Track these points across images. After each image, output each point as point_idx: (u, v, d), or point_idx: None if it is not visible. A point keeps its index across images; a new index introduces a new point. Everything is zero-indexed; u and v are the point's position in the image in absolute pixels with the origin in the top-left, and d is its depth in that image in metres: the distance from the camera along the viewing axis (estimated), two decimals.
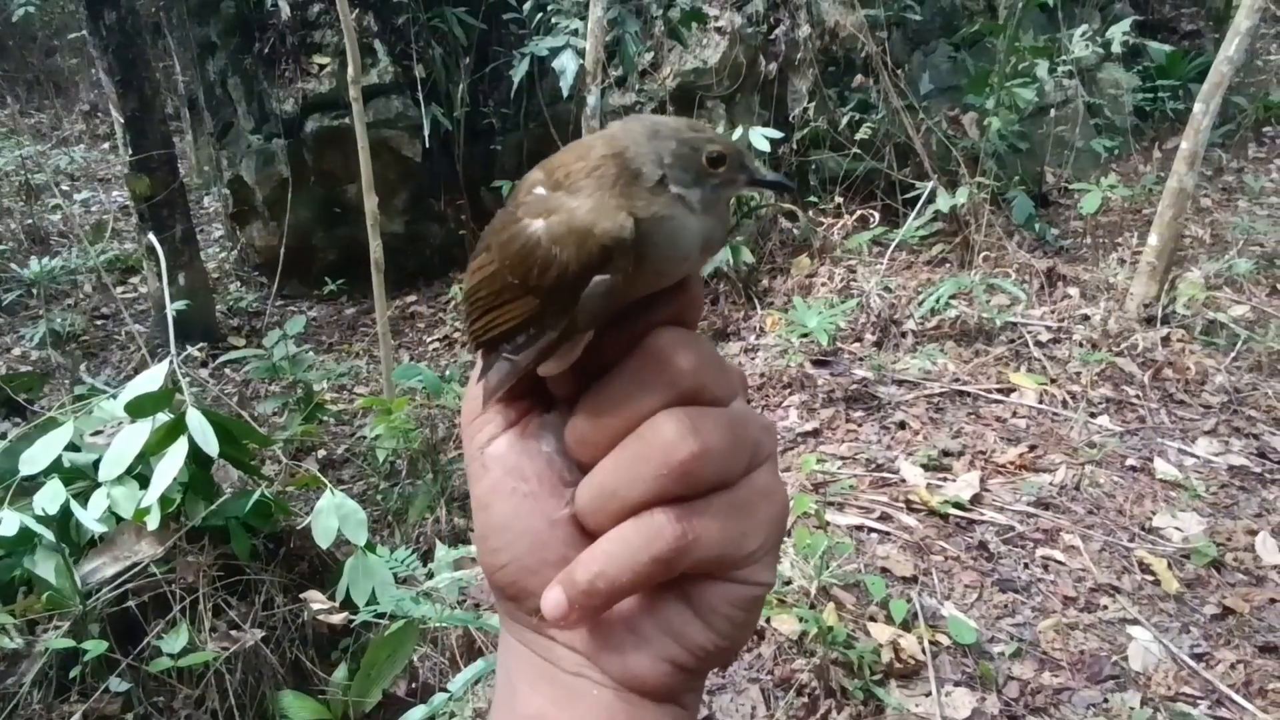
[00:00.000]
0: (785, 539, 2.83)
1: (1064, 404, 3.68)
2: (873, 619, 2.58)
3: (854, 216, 5.10)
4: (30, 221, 7.59)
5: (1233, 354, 3.87)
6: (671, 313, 0.46)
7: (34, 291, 6.16)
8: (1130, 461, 3.32)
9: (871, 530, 3.02)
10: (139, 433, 2.36)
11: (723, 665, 0.47)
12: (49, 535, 2.14)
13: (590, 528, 0.44)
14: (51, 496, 2.20)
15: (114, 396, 2.65)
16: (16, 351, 5.91)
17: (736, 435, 0.43)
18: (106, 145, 10.03)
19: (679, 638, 0.44)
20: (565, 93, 4.80)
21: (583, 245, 0.42)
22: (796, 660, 2.43)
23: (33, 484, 2.29)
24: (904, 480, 3.28)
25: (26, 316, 6.21)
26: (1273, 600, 2.63)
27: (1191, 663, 2.43)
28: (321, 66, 5.98)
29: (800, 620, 2.44)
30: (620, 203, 0.43)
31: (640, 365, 0.44)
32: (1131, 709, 2.30)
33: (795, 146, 5.54)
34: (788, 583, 2.64)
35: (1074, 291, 4.53)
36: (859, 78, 5.54)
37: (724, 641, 0.44)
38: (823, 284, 4.83)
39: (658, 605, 0.44)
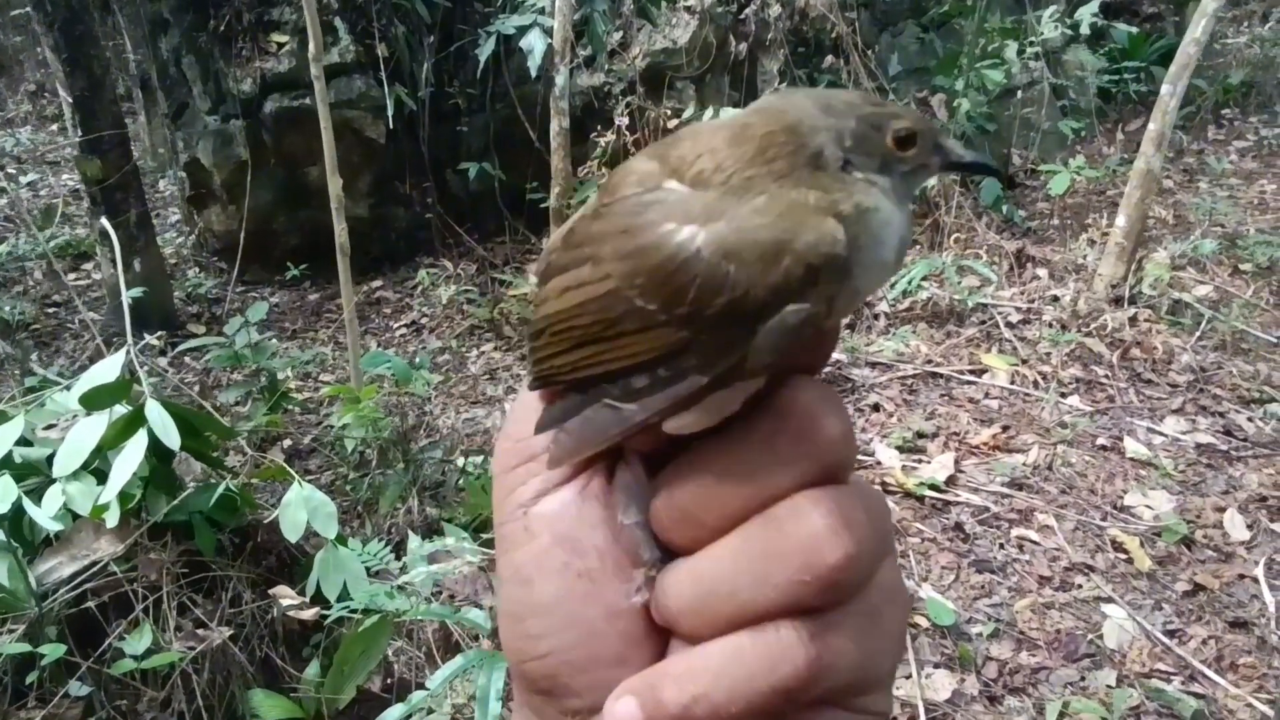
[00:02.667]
0: None
1: (1035, 384, 3.71)
2: None
3: None
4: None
5: (1198, 333, 3.93)
6: (809, 356, 0.36)
7: None
8: (1101, 441, 3.35)
9: None
10: (95, 426, 2.26)
11: None
12: (0, 534, 2.05)
13: (683, 631, 0.35)
14: (2, 494, 2.11)
15: (68, 388, 2.55)
16: None
17: (880, 525, 0.35)
18: (55, 127, 9.69)
19: None
20: (533, 73, 4.71)
21: (774, 264, 0.31)
22: None
23: None
24: (879, 462, 3.28)
25: None
26: (1241, 576, 2.67)
27: (1165, 639, 2.46)
28: (280, 45, 5.80)
29: None
30: (817, 200, 0.33)
31: (778, 428, 0.34)
32: (1108, 686, 2.32)
33: None
34: None
35: (1043, 273, 4.57)
36: (829, 59, 5.51)
37: None
38: None
39: None
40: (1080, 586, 2.67)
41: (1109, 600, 2.61)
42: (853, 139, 0.36)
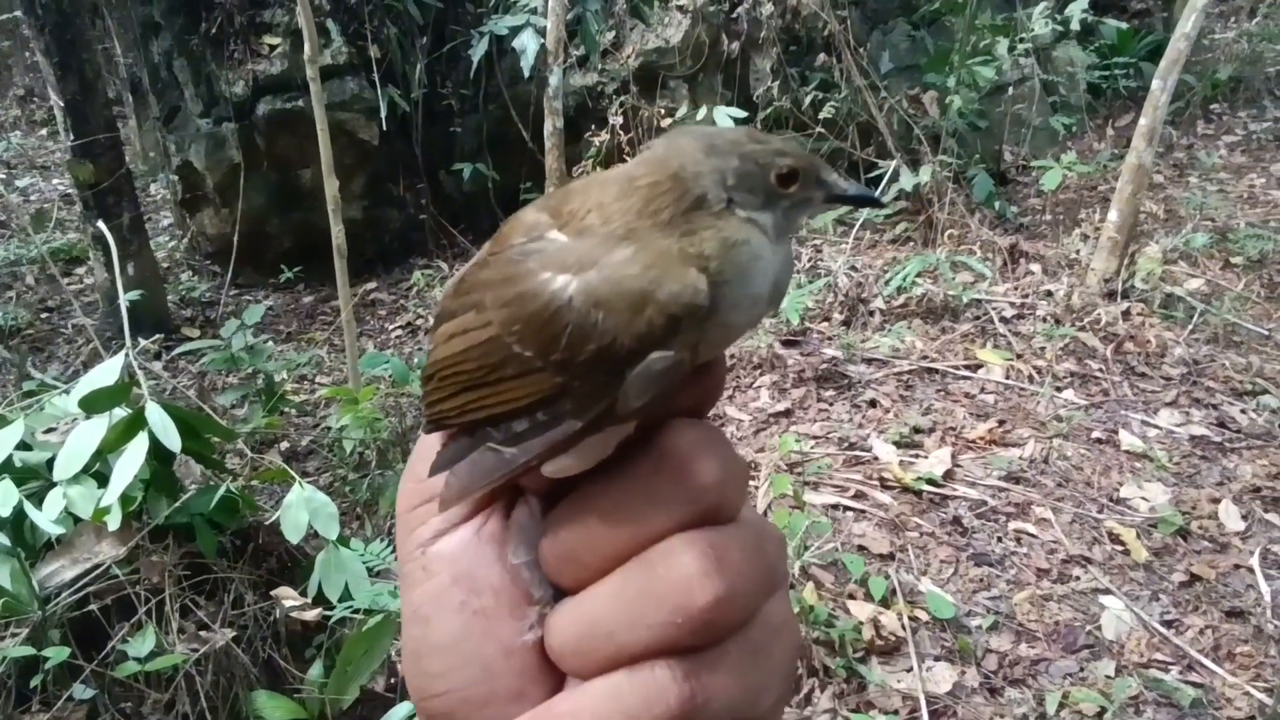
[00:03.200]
0: (765, 511, 2.83)
1: (1030, 379, 3.73)
2: (852, 597, 2.59)
3: None
4: None
5: (1190, 327, 3.95)
6: (691, 398, 0.37)
7: None
8: (1096, 434, 3.38)
9: (847, 509, 3.03)
10: (95, 429, 2.26)
11: None
12: (2, 539, 2.05)
13: (568, 669, 0.36)
14: (3, 498, 2.10)
15: (66, 392, 2.54)
16: None
17: (760, 564, 0.35)
18: (44, 131, 9.64)
19: None
20: (526, 73, 4.71)
21: (639, 313, 0.33)
22: None
23: None
24: (877, 458, 3.30)
25: None
26: (1237, 566, 2.69)
27: (1162, 630, 2.48)
28: (272, 47, 5.79)
29: None
30: (683, 249, 0.34)
31: (655, 471, 0.35)
32: (1107, 676, 2.34)
33: (759, 126, 5.51)
34: None
35: (1036, 268, 4.59)
36: (821, 57, 5.53)
37: None
38: None
39: None
40: (1078, 578, 2.69)
41: (1106, 592, 2.63)
42: (736, 177, 0.37)
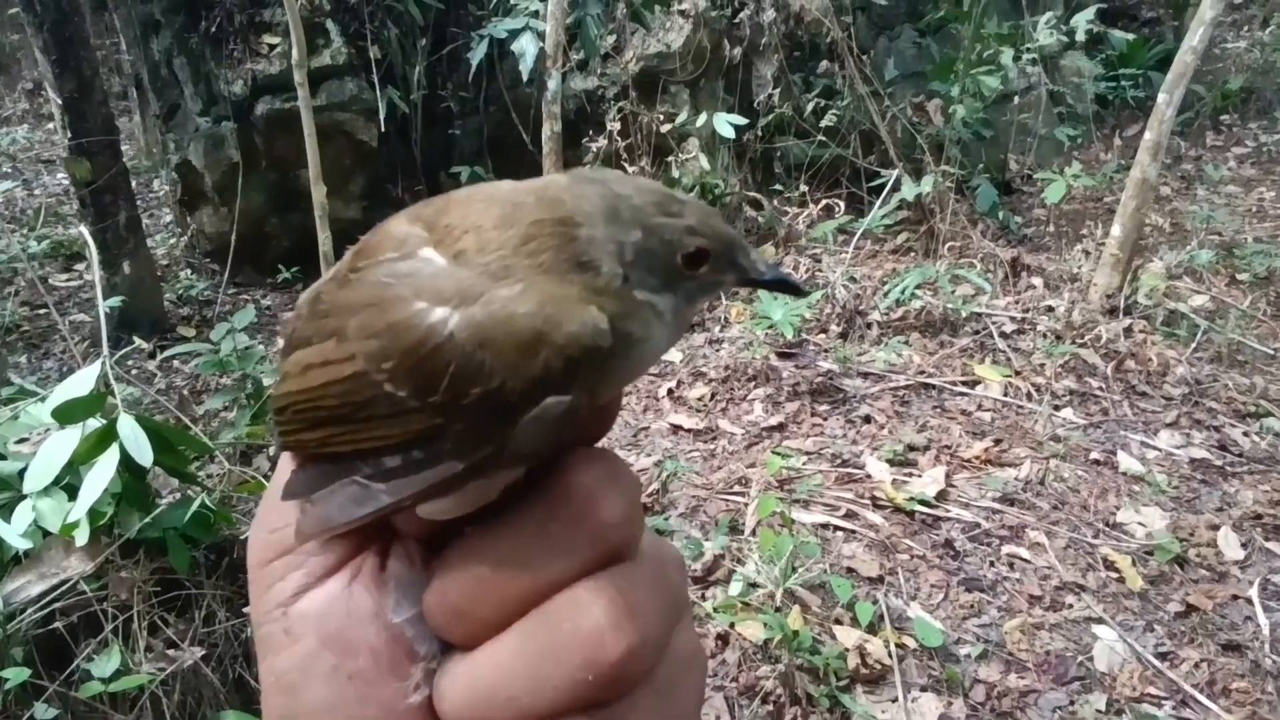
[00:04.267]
0: (750, 539, 2.77)
1: (1028, 396, 3.67)
2: (839, 621, 2.53)
3: (819, 205, 5.05)
4: None
5: (1193, 345, 3.89)
6: (585, 430, 0.34)
7: None
8: (1094, 455, 3.31)
9: (837, 529, 2.98)
10: (67, 440, 2.22)
11: None
12: None
13: None
14: None
15: (43, 400, 2.51)
16: None
17: (667, 600, 0.33)
18: (51, 125, 9.64)
19: None
20: (525, 76, 4.67)
21: (532, 355, 0.29)
22: (761, 667, 2.38)
23: None
24: (870, 476, 3.24)
25: None
26: (1235, 597, 2.63)
27: (1156, 662, 2.42)
28: (272, 47, 5.76)
29: (765, 626, 2.39)
30: (581, 294, 0.31)
31: (554, 513, 0.32)
32: (1097, 711, 2.28)
33: (760, 133, 5.46)
34: (754, 586, 2.59)
35: (1038, 282, 4.53)
36: (824, 63, 5.47)
37: None
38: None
39: None
40: (1071, 606, 2.63)
41: (1100, 621, 2.57)
42: (635, 253, 0.33)
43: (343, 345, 0.32)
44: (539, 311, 0.30)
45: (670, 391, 3.95)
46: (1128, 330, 3.94)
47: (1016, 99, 5.70)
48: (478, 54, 4.94)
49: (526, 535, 0.32)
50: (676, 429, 3.68)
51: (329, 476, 0.33)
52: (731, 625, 2.49)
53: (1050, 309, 4.19)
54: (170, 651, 2.14)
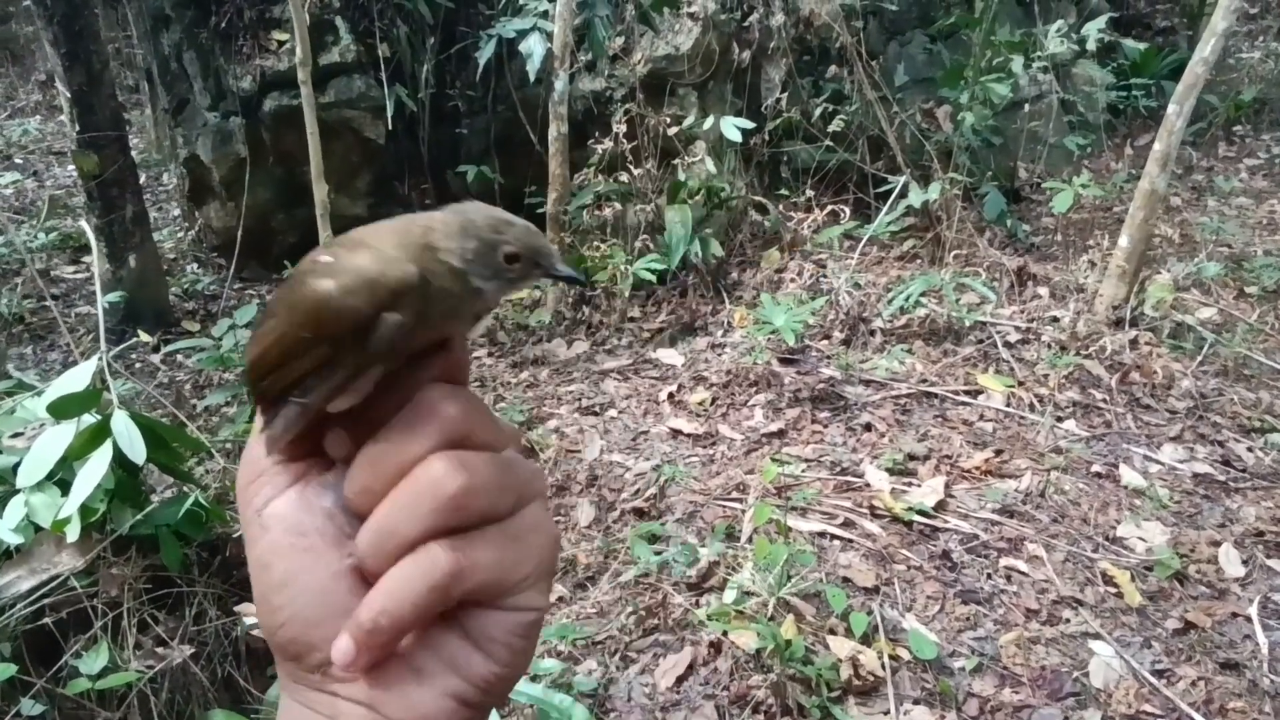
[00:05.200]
0: (746, 546, 2.75)
1: (1031, 407, 3.64)
2: (832, 632, 2.52)
3: (825, 210, 5.02)
4: None
5: (1199, 358, 3.85)
6: (439, 373, 0.49)
7: None
8: (1096, 468, 3.28)
9: (834, 537, 2.96)
10: (62, 435, 2.22)
11: (502, 697, 0.49)
12: None
13: (371, 571, 0.45)
14: None
15: (39, 394, 2.51)
16: None
17: (505, 473, 0.47)
18: (63, 117, 9.69)
19: (460, 670, 0.45)
20: (533, 76, 4.65)
21: (374, 292, 0.45)
22: (753, 676, 2.36)
23: None
24: (868, 485, 3.22)
25: None
26: (1234, 615, 2.60)
27: (1153, 679, 2.40)
28: (281, 43, 5.76)
29: (759, 635, 2.37)
30: (410, 257, 0.46)
31: (412, 416, 0.46)
32: None
33: (767, 137, 5.44)
34: (748, 594, 2.57)
35: (1044, 291, 4.50)
36: (833, 68, 5.44)
37: (504, 670, 0.46)
38: (792, 279, 4.75)
39: (437, 641, 0.46)
40: (1068, 621, 2.61)
41: (1097, 637, 2.54)
42: (473, 255, 0.48)
43: (276, 320, 0.49)
44: (375, 266, 0.45)
45: (671, 395, 3.93)
46: (1133, 342, 3.91)
47: (1026, 107, 5.66)
48: (486, 53, 4.93)
49: (396, 433, 0.46)
50: (676, 433, 3.66)
51: (279, 406, 0.48)
52: (725, 633, 2.47)
53: (1055, 319, 4.16)
54: (159, 649, 2.13)
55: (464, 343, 0.51)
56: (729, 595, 2.58)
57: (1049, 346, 3.99)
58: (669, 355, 4.31)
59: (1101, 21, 5.07)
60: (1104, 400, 3.66)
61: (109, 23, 8.34)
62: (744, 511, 3.05)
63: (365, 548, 0.45)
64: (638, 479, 3.32)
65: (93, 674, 1.96)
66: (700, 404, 3.85)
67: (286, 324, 0.48)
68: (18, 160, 8.85)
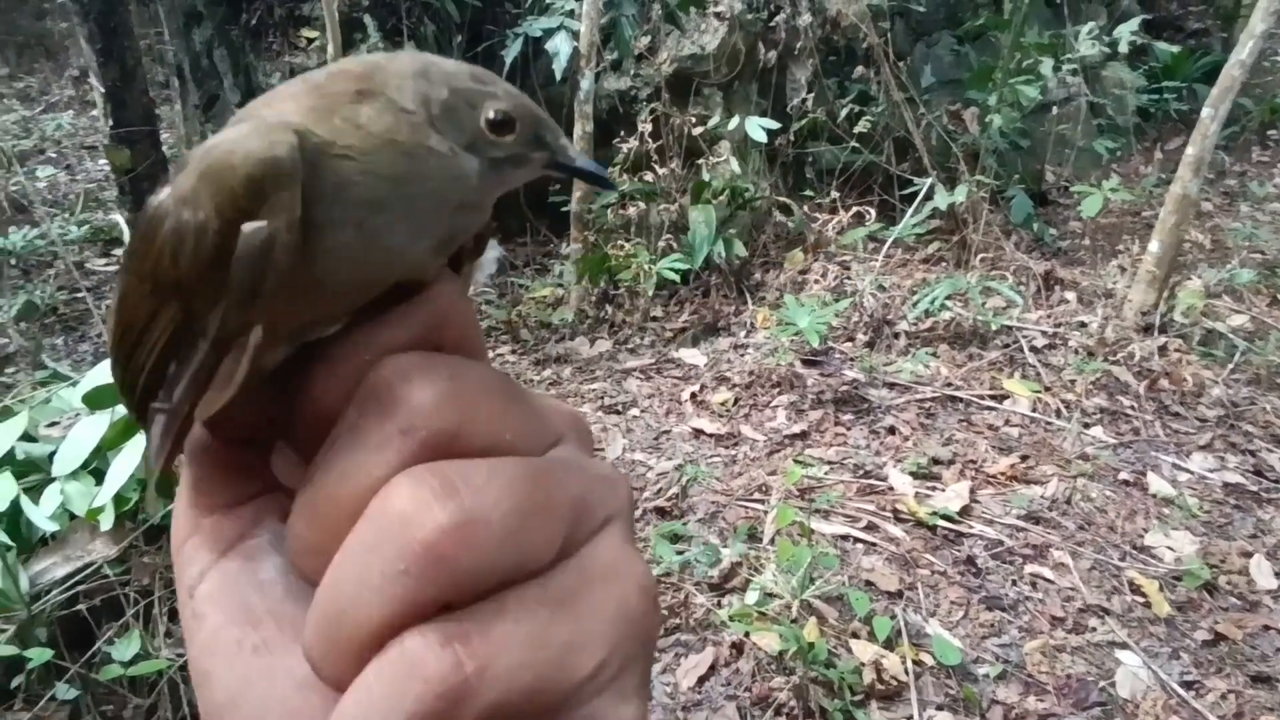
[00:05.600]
0: (769, 547, 2.75)
1: (1057, 413, 3.61)
2: (855, 635, 2.51)
3: (850, 212, 5.00)
4: (17, 186, 7.42)
5: (1231, 366, 3.80)
6: (412, 331, 0.31)
7: (14, 261, 6.04)
8: (1123, 475, 3.25)
9: (857, 540, 2.95)
10: (96, 425, 2.25)
11: None
12: (0, 534, 2.05)
13: (329, 683, 0.27)
14: (1, 492, 2.10)
15: (74, 385, 2.55)
16: None
17: (535, 490, 0.28)
18: (95, 112, 9.84)
19: None
20: (559, 75, 4.67)
21: (221, 185, 0.28)
22: (775, 678, 2.36)
23: None
24: (892, 488, 3.20)
25: (6, 286, 6.07)
26: (1266, 627, 2.56)
27: (1181, 691, 2.37)
28: (310, 40, 5.82)
29: (781, 637, 2.37)
30: (303, 117, 0.30)
31: (361, 412, 0.29)
32: None
33: (793, 137, 5.42)
34: (771, 596, 2.57)
35: (1071, 296, 4.45)
36: (860, 69, 5.42)
37: None
38: (816, 280, 4.74)
39: None
40: (1094, 630, 2.58)
41: (1124, 646, 2.51)
42: (441, 108, 0.32)
43: (119, 276, 0.33)
44: (226, 145, 0.29)
45: (693, 395, 3.93)
46: (1162, 349, 3.86)
47: (1055, 109, 5.60)
48: (512, 52, 4.95)
49: (342, 443, 0.29)
50: (698, 433, 3.66)
51: (148, 415, 0.32)
52: (747, 634, 2.47)
53: (1083, 324, 4.12)
54: None
55: (454, 285, 0.33)
56: (751, 596, 2.58)
57: (1076, 352, 3.95)
58: (692, 355, 4.31)
59: (1134, 24, 5.01)
60: (1132, 407, 3.62)
61: (141, 19, 8.45)
62: (766, 513, 3.04)
63: (312, 646, 0.28)
64: (660, 478, 3.33)
65: (125, 660, 1.99)
66: (723, 404, 3.84)
67: (123, 275, 0.33)
68: (51, 154, 8.99)
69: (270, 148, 0.28)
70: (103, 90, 5.38)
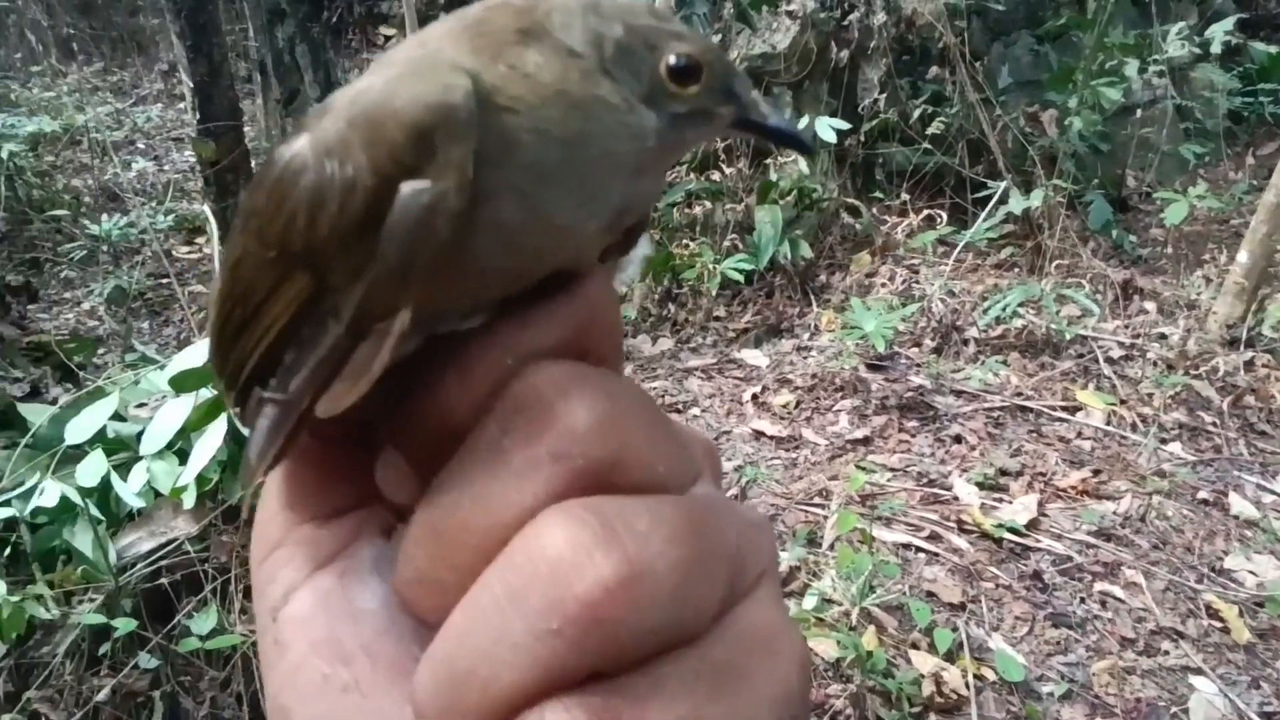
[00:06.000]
0: (828, 553, 2.73)
1: (1133, 427, 3.49)
2: (915, 646, 2.47)
3: (920, 215, 4.91)
4: (110, 176, 7.78)
5: None
6: (561, 334, 0.27)
7: (106, 248, 6.34)
8: (1202, 494, 3.13)
9: (919, 550, 2.90)
10: (181, 407, 2.36)
11: None
12: (91, 508, 2.16)
13: None
14: (93, 468, 2.22)
15: (162, 368, 2.67)
16: (86, 306, 6.08)
17: (698, 539, 0.24)
18: (183, 105, 10.25)
19: None
20: None
21: (379, 134, 0.24)
22: (832, 685, 2.34)
23: (78, 452, 2.31)
24: (957, 498, 3.14)
25: (99, 271, 6.37)
26: None
27: None
28: (388, 38, 5.97)
29: (839, 644, 2.35)
30: (467, 58, 0.25)
31: (505, 426, 0.25)
32: None
33: (863, 138, 5.35)
34: (829, 602, 2.55)
35: (1151, 306, 4.30)
36: (934, 69, 5.31)
37: None
38: (883, 284, 4.67)
39: None
40: (1167, 653, 2.50)
41: (1198, 672, 2.42)
42: (615, 49, 0.27)
43: (231, 240, 0.28)
44: (384, 86, 0.24)
45: (755, 397, 3.92)
46: (1249, 364, 3.70)
47: (1139, 112, 5.41)
48: None
49: (479, 461, 0.25)
50: (759, 435, 3.65)
51: (255, 412, 0.28)
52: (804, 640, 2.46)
53: (1163, 336, 3.98)
54: None
55: (606, 281, 0.28)
56: (809, 602, 2.56)
57: (1155, 364, 3.81)
58: (754, 356, 4.29)
59: (1229, 23, 4.81)
60: (1214, 424, 3.48)
61: (228, 17, 8.77)
62: (826, 518, 3.02)
63: (425, 703, 0.24)
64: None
65: (202, 634, 2.08)
66: (784, 406, 3.82)
67: (241, 235, 0.28)
68: (140, 145, 9.38)
69: (444, 92, 0.23)
70: (191, 85, 5.61)
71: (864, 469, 3.27)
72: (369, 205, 0.24)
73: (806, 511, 3.12)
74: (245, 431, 0.29)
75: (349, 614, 0.27)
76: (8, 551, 2.10)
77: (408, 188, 0.24)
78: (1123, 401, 3.62)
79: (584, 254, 0.27)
